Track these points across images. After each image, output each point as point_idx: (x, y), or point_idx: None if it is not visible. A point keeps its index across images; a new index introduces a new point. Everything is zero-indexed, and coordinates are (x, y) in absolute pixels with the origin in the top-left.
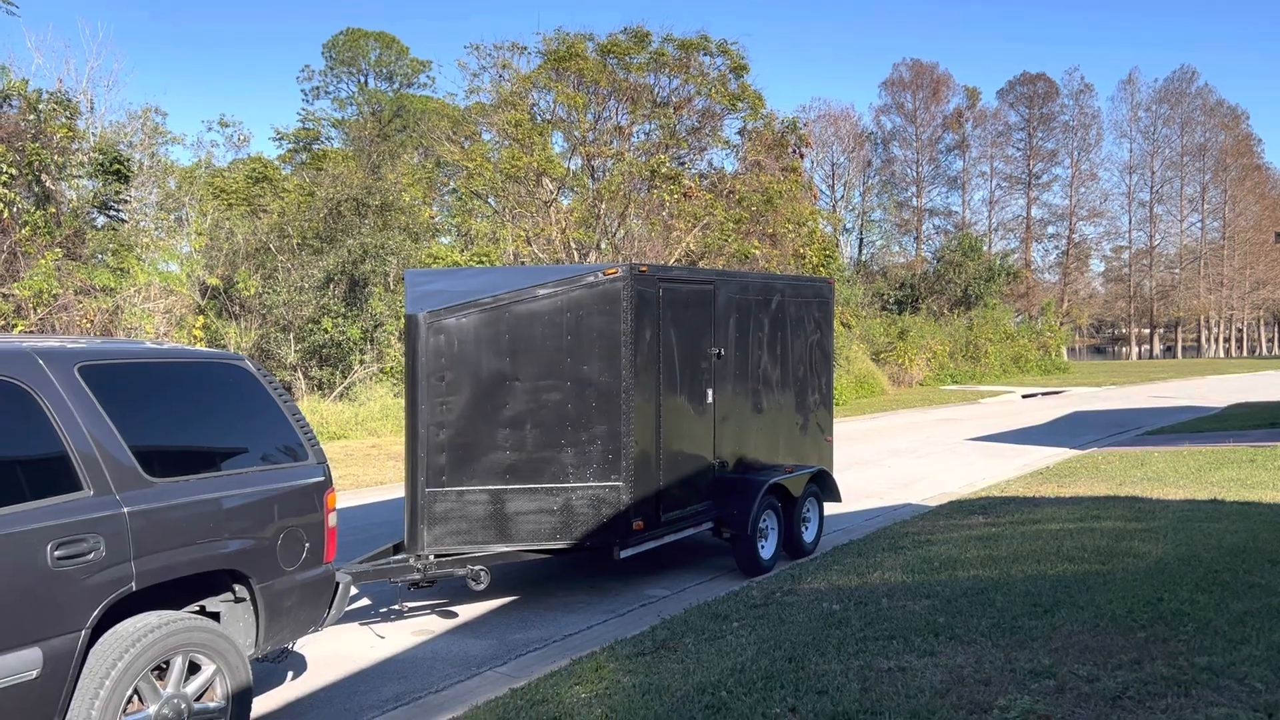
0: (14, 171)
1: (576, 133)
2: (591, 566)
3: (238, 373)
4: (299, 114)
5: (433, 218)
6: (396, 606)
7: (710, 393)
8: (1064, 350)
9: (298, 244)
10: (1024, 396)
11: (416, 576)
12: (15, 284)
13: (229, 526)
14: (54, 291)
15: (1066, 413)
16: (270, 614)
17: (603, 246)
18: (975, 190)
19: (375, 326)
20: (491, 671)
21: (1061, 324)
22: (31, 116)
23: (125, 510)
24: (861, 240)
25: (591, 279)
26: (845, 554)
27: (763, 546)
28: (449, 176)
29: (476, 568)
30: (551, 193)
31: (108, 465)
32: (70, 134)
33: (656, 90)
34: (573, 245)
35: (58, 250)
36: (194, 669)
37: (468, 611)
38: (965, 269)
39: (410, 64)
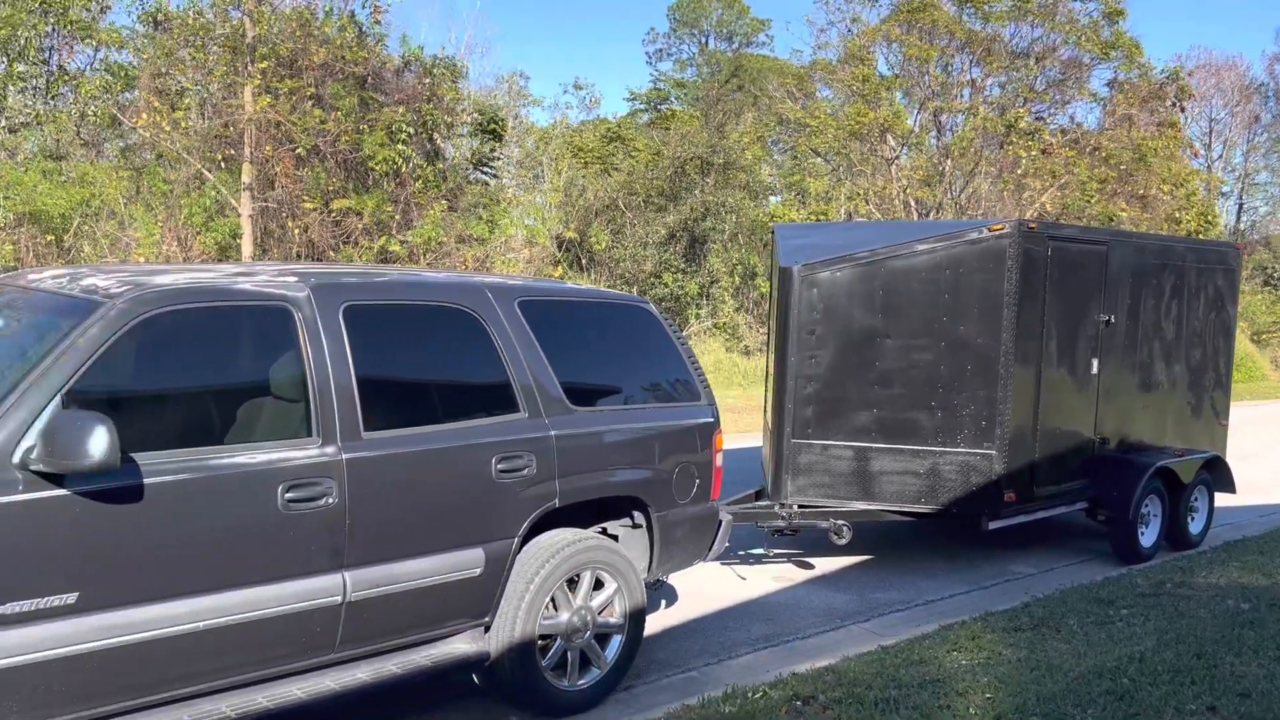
0: (411, 130)
1: (923, 87)
2: (945, 533)
3: (643, 315)
4: (650, 76)
5: (770, 175)
6: (756, 551)
7: (1095, 363)
8: None
9: (643, 201)
10: None
11: (781, 524)
12: (409, 231)
13: (634, 456)
14: (439, 240)
15: None
16: (664, 542)
17: (945, 206)
18: None
19: (711, 283)
20: (856, 626)
21: None
22: (427, 80)
23: (552, 434)
24: (1241, 206)
25: (975, 235)
26: (1242, 550)
27: (1143, 533)
28: (787, 134)
29: (839, 522)
30: (894, 150)
31: (539, 391)
32: (457, 96)
33: (1014, 41)
34: (913, 205)
35: (443, 202)
36: (598, 586)
37: (824, 564)
38: None
39: (750, 23)
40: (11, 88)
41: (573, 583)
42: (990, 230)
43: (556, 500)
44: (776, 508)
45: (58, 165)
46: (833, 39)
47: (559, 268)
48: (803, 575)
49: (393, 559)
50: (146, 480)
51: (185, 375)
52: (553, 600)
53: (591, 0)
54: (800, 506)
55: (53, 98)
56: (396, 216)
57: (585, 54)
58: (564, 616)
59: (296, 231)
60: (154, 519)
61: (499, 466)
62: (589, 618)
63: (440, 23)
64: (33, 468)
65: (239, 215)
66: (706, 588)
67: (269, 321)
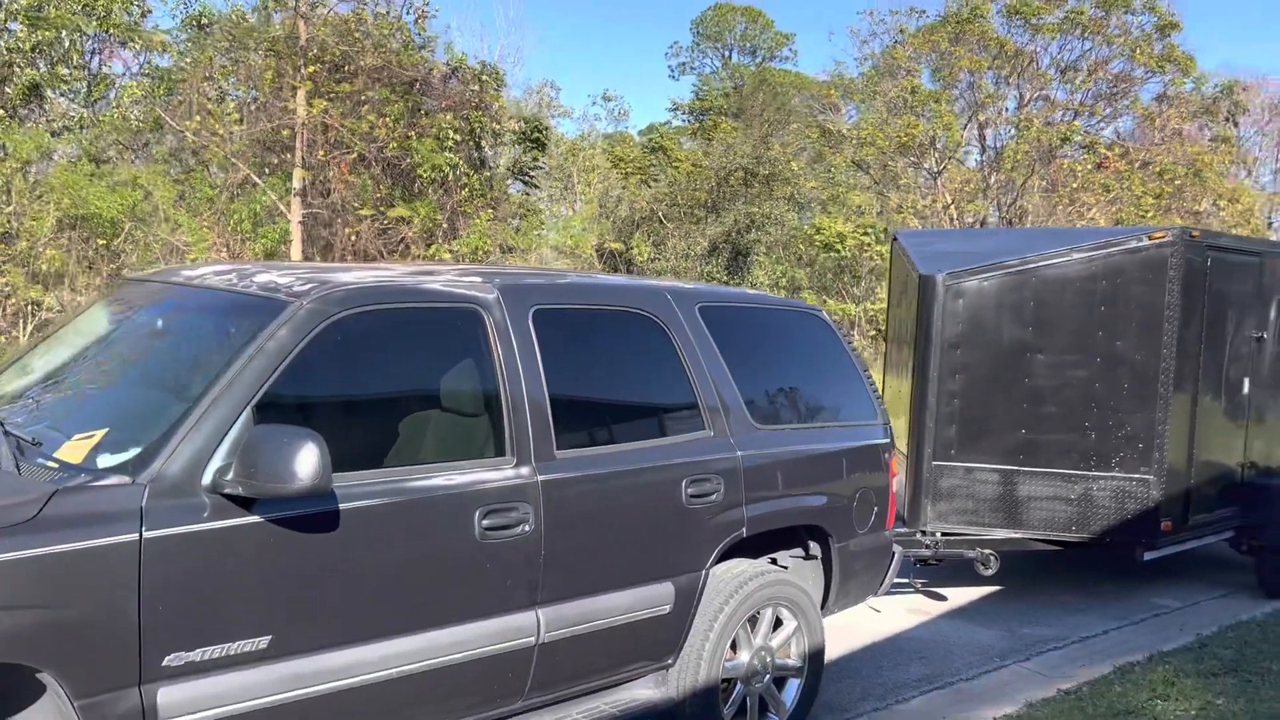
0: (458, 138)
1: (971, 100)
2: (1075, 562)
3: (815, 323)
4: (693, 88)
5: (812, 188)
6: (900, 580)
7: (1246, 382)
8: None
9: (683, 212)
10: None
11: (927, 553)
12: (456, 240)
13: (816, 480)
14: (486, 249)
15: None
16: (843, 575)
17: (990, 220)
18: None
19: None
20: (1017, 665)
21: None
22: (475, 87)
23: (739, 454)
24: (1270, 224)
25: (1134, 243)
26: None
27: None
28: (829, 147)
29: (986, 551)
30: (940, 163)
31: (724, 407)
32: (503, 105)
33: (1062, 54)
34: (959, 218)
35: (489, 211)
36: (775, 624)
37: (956, 595)
38: None
39: (774, 37)
40: (52, 91)
41: (752, 620)
42: (1151, 238)
43: (744, 529)
44: (919, 535)
45: (100, 169)
46: (875, 49)
47: None
48: (938, 607)
49: (585, 594)
50: (342, 505)
51: (374, 384)
52: (733, 639)
53: (617, 14)
54: (944, 534)
55: (94, 102)
56: (444, 225)
57: (611, 66)
58: (744, 658)
59: (352, 237)
60: (349, 550)
61: (689, 491)
62: (768, 659)
63: (476, 32)
64: (226, 490)
65: (288, 221)
66: (841, 621)
67: (458, 325)
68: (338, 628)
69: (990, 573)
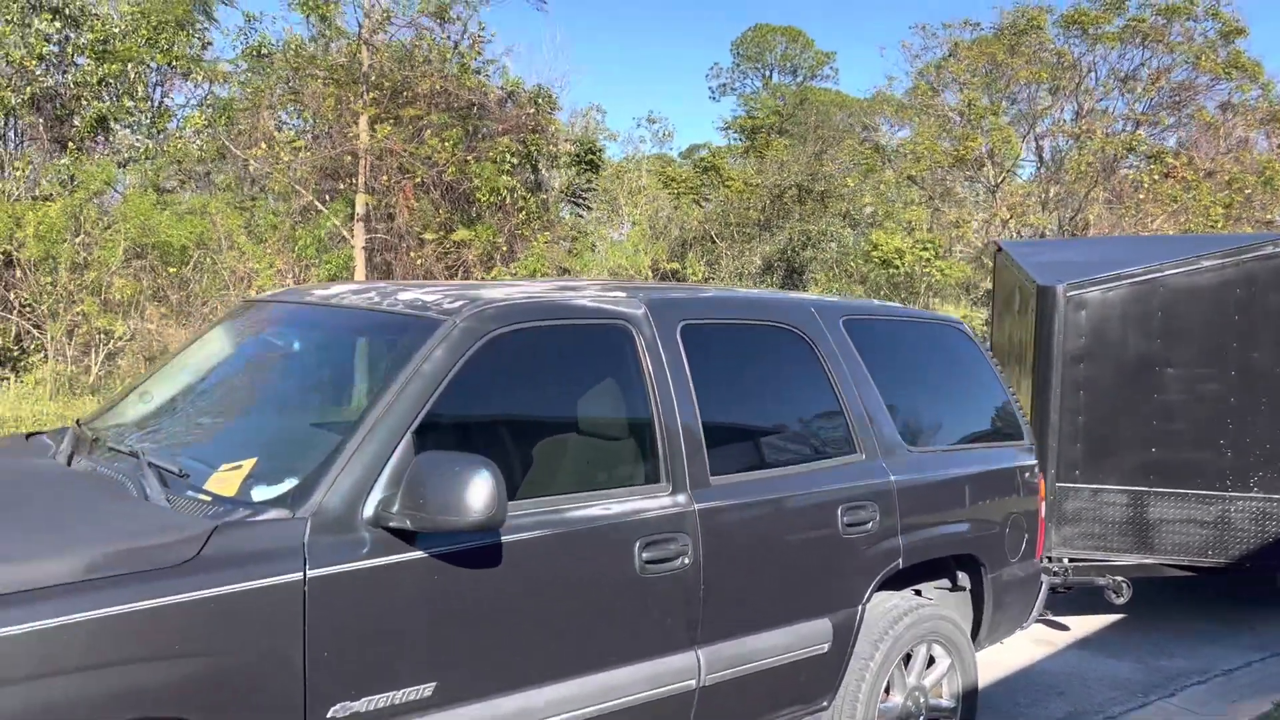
0: (515, 161)
1: (1030, 112)
2: (1204, 589)
3: (957, 335)
4: (743, 105)
5: (866, 204)
6: None
7: None
8: None
9: (736, 231)
10: None
11: (1056, 581)
12: (515, 263)
13: (969, 506)
14: (544, 271)
15: None
16: (995, 607)
17: (1050, 233)
18: None
19: None
20: (1162, 703)
21: None
22: (531, 110)
23: (893, 479)
24: None
25: (1270, 249)
26: None
27: None
28: (883, 163)
29: (1118, 579)
30: (997, 176)
31: (874, 427)
32: (559, 127)
33: (1121, 64)
34: (1019, 232)
35: (546, 234)
36: (928, 662)
37: (1078, 625)
38: None
39: (815, 55)
40: (117, 124)
41: (905, 659)
42: None
43: (900, 560)
44: (1045, 562)
45: (164, 198)
46: (927, 62)
47: None
48: (1063, 637)
49: (744, 632)
50: (504, 538)
51: (525, 406)
52: (888, 679)
53: (656, 37)
54: (1070, 560)
55: (158, 133)
56: (503, 248)
57: (651, 88)
58: (897, 699)
59: (419, 262)
60: (512, 587)
61: (845, 519)
62: (922, 700)
63: (523, 58)
64: (391, 524)
65: (351, 247)
66: None
67: (608, 343)
68: (502, 672)
69: (1122, 601)
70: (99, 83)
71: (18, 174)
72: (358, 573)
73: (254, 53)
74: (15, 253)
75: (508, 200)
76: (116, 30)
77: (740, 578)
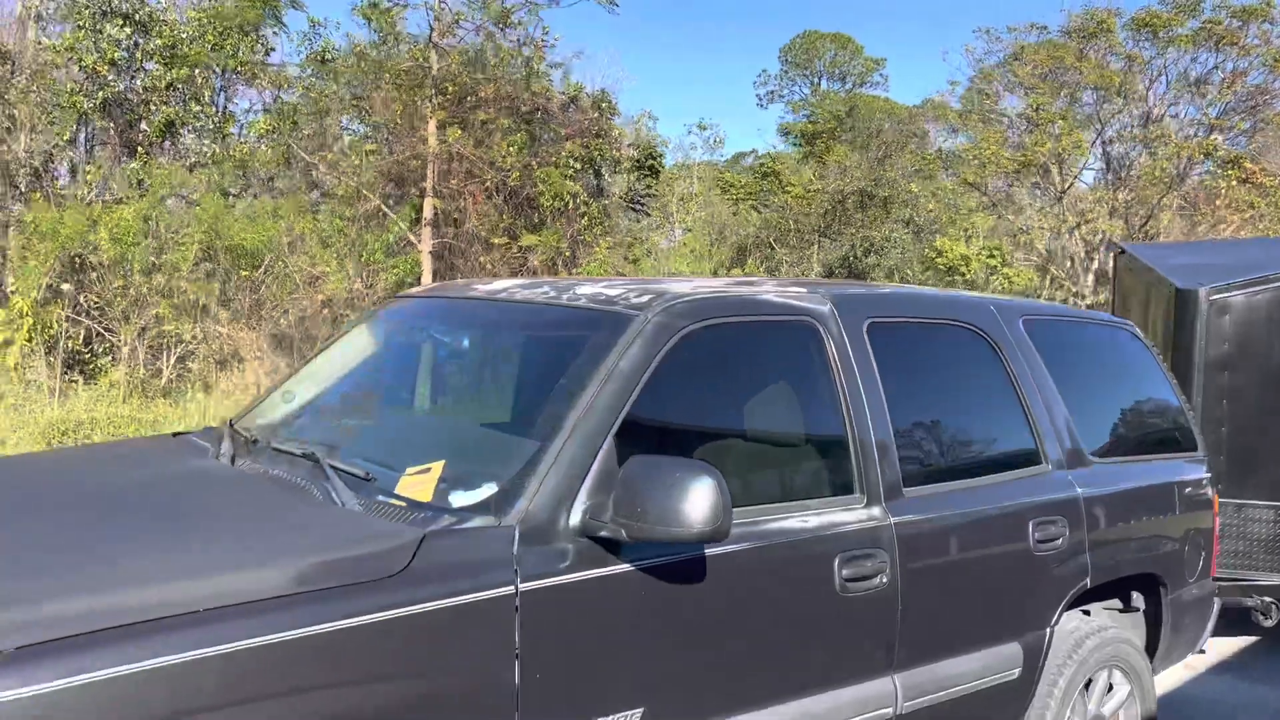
0: (578, 166)
1: (1101, 116)
2: None
3: (1128, 338)
4: (806, 112)
5: (930, 210)
6: None
7: None
8: None
9: (796, 237)
10: None
11: None
12: (578, 268)
13: (1152, 521)
14: (605, 276)
15: None
16: (1173, 630)
17: (1119, 239)
18: None
19: None
20: None
21: None
22: (594, 114)
23: (1079, 492)
24: None
25: None
26: None
27: None
28: (946, 169)
29: (1268, 599)
30: (1064, 181)
31: (1059, 436)
32: (622, 132)
33: (1193, 67)
34: (1085, 239)
35: (608, 239)
36: (1107, 689)
37: (1222, 648)
38: None
39: (864, 62)
40: (185, 129)
41: (1085, 685)
42: None
43: (1088, 580)
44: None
45: (232, 202)
46: (990, 65)
47: None
48: (1202, 661)
49: (938, 657)
50: (707, 551)
51: (718, 409)
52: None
53: (703, 45)
54: (1215, 579)
55: (224, 138)
56: (566, 253)
57: (699, 93)
58: None
59: (489, 266)
60: (715, 602)
61: (1035, 535)
62: None
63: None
64: (603, 534)
65: (418, 252)
66: None
67: (796, 342)
68: (707, 697)
69: (1271, 624)
70: (167, 87)
71: (89, 178)
72: (567, 586)
73: (318, 58)
74: (89, 256)
75: (570, 205)
76: (184, 36)
77: (935, 598)
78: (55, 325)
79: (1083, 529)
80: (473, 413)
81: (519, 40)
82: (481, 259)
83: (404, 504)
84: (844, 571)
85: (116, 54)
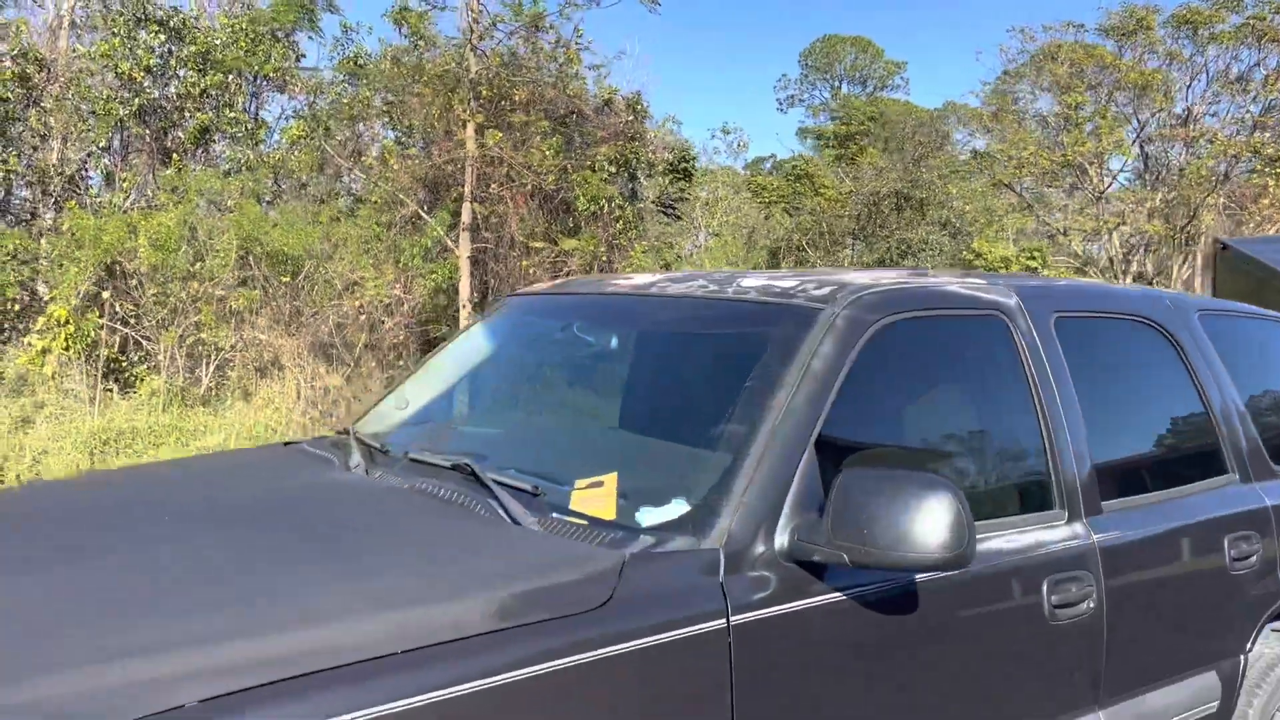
0: (613, 169)
1: (1140, 116)
2: None
3: None
4: (834, 114)
5: (967, 211)
6: None
7: None
8: None
9: (830, 240)
10: None
11: None
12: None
13: None
14: None
15: None
16: None
17: (1164, 240)
18: None
19: None
20: None
21: None
22: (630, 117)
23: (1269, 504)
24: None
25: None
26: None
27: None
28: (980, 170)
29: None
30: (1102, 181)
31: (1244, 442)
32: (656, 135)
33: (1234, 64)
34: (1121, 240)
35: (642, 243)
36: None
37: None
38: None
39: (885, 66)
40: (219, 135)
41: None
42: None
43: None
44: None
45: (266, 209)
46: (1021, 64)
47: None
48: None
49: (1140, 689)
50: (919, 577)
51: (911, 413)
52: None
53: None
54: None
55: (257, 144)
56: (602, 257)
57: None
58: None
59: (531, 271)
60: (924, 636)
61: (1231, 552)
62: None
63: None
64: (815, 558)
65: (456, 256)
66: None
67: (985, 338)
68: None
69: None
70: (201, 94)
71: (125, 185)
72: (776, 618)
73: (351, 63)
74: (126, 263)
75: (605, 209)
76: (217, 42)
77: (1138, 624)
78: (93, 333)
79: (1275, 544)
80: (630, 419)
81: (555, 41)
82: (523, 263)
83: (585, 522)
84: (1052, 597)
85: (151, 60)
